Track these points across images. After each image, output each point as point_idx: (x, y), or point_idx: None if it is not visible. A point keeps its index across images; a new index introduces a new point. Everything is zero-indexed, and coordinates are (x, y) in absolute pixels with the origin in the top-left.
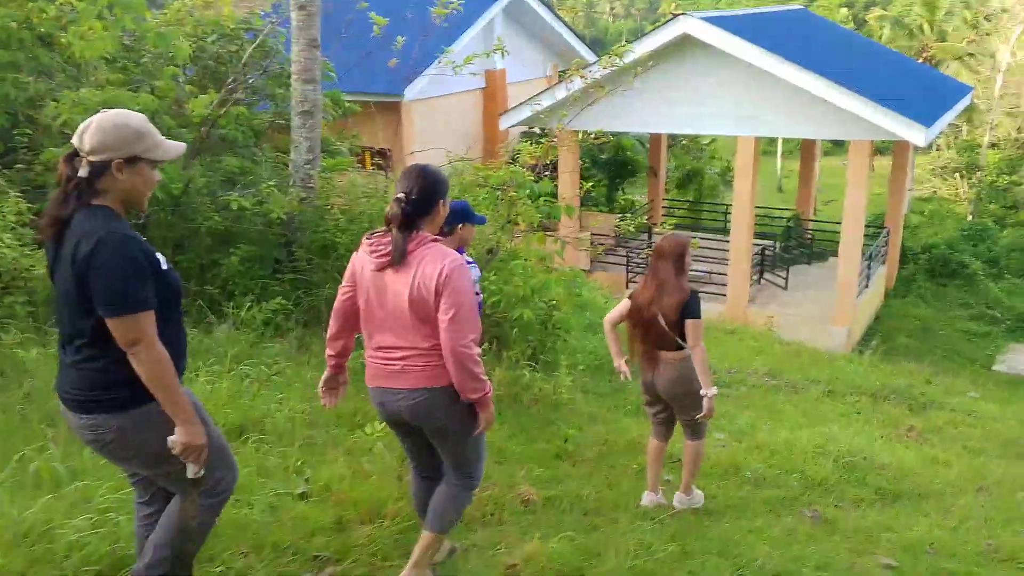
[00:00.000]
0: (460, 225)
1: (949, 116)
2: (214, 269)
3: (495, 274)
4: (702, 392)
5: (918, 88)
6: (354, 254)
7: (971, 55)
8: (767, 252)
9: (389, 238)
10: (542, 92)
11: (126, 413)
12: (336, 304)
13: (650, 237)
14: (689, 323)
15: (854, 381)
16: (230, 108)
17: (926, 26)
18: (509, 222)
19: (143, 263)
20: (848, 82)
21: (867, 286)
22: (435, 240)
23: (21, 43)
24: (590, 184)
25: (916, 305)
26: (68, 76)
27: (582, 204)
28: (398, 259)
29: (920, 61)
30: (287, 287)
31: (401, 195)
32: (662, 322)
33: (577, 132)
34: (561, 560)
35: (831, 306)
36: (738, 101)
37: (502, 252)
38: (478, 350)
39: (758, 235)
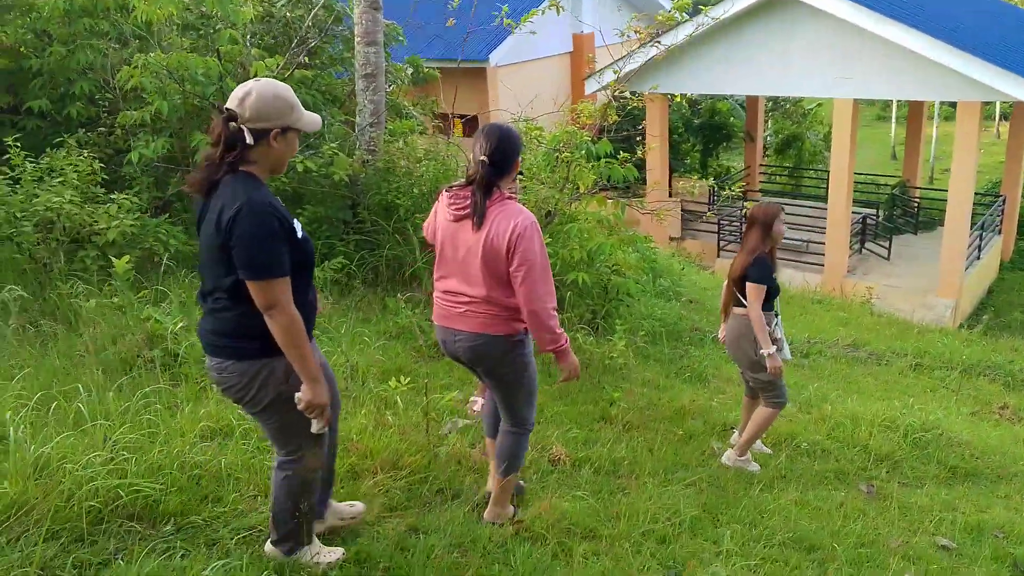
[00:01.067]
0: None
1: None
2: None
3: (551, 237)
4: (761, 351)
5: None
6: (435, 203)
7: None
8: (869, 221)
9: (467, 192)
10: (627, 55)
11: (251, 362)
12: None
13: (744, 204)
14: (748, 285)
15: (947, 355)
16: (294, 72)
17: None
18: (568, 183)
19: (280, 231)
20: (953, 37)
21: (978, 257)
22: (510, 198)
23: (107, 11)
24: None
25: None
26: (143, 43)
27: (675, 170)
28: (479, 220)
29: None
30: (351, 247)
31: (484, 157)
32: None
33: (666, 95)
34: (571, 520)
35: (936, 278)
36: (832, 61)
37: (560, 215)
38: (553, 303)
39: (862, 203)
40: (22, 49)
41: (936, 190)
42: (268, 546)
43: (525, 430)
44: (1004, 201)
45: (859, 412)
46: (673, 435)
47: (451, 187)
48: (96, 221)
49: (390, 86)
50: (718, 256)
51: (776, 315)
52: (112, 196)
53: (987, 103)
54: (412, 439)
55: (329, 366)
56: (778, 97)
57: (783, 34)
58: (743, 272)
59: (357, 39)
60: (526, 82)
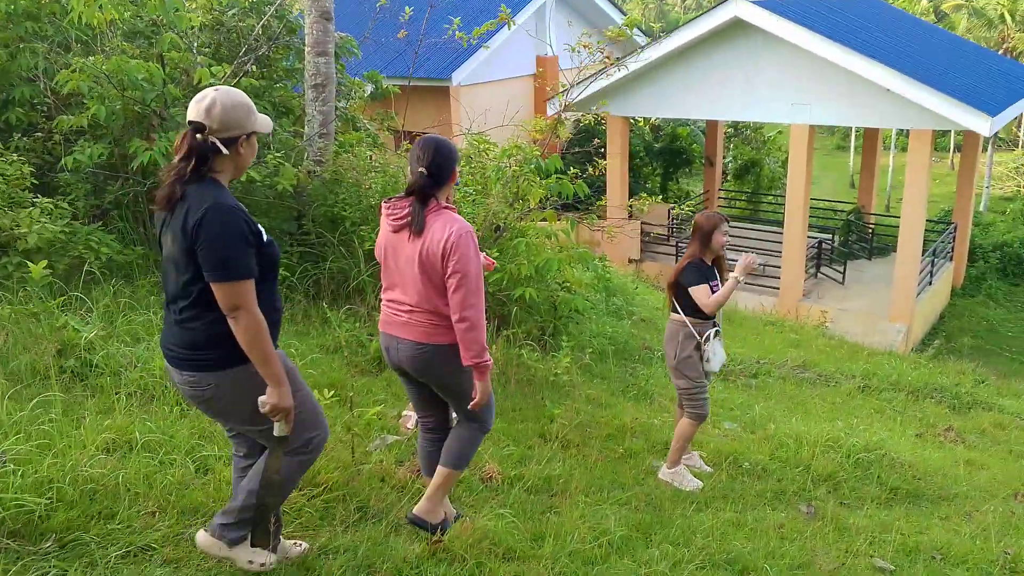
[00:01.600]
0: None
1: (1022, 106)
2: None
3: (499, 252)
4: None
5: (986, 76)
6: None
7: None
8: (825, 246)
9: (405, 203)
10: (587, 78)
11: (224, 372)
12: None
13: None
14: (691, 290)
15: (894, 377)
16: (240, 81)
17: (1007, 15)
18: (517, 199)
19: (247, 234)
20: (907, 68)
21: (930, 283)
22: (447, 207)
23: (52, 16)
24: (643, 173)
25: (985, 305)
26: (85, 48)
27: (635, 193)
28: (419, 228)
29: (1000, 52)
30: (294, 260)
31: (422, 169)
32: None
33: (627, 118)
34: (493, 540)
35: (890, 303)
36: (792, 88)
37: (509, 230)
38: (482, 315)
39: (819, 228)
40: None
41: (891, 216)
42: (201, 534)
43: (484, 430)
44: (955, 228)
45: (803, 432)
46: (612, 453)
47: (389, 199)
48: (17, 226)
49: (346, 100)
50: None
51: (715, 324)
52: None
53: (942, 133)
54: (335, 455)
55: (297, 371)
56: (738, 123)
57: (743, 61)
58: (676, 278)
59: (307, 49)
60: (489, 102)
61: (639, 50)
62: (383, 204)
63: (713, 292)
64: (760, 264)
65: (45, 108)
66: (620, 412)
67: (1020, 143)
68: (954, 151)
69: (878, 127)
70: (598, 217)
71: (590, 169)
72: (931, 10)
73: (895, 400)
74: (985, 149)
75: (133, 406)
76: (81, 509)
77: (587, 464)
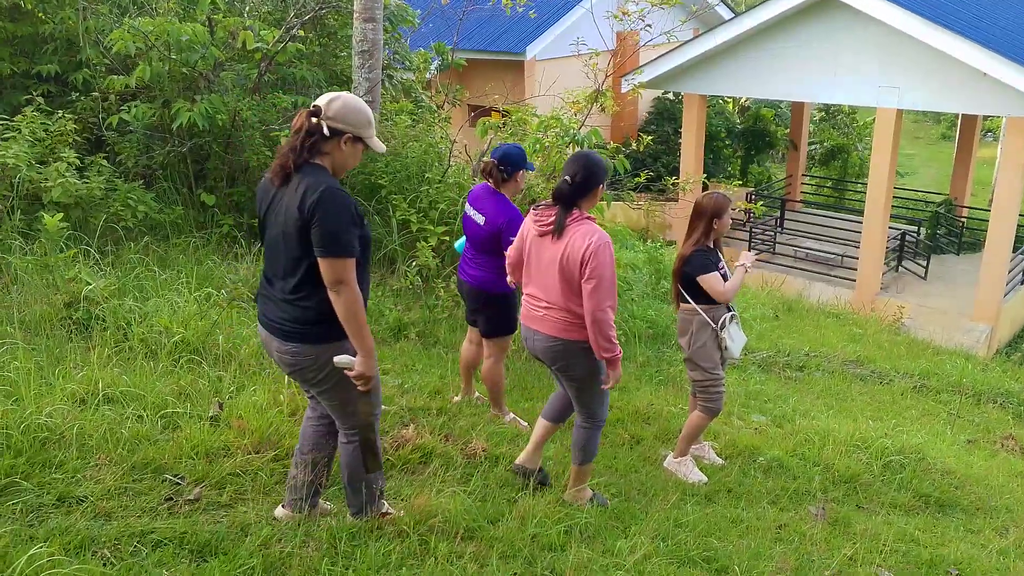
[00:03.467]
0: (520, 172)
1: None
2: None
3: None
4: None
5: None
6: (525, 218)
7: None
8: (908, 238)
9: (552, 211)
10: (664, 54)
11: (323, 346)
12: (508, 255)
13: (783, 214)
14: (700, 279)
15: (957, 379)
16: (287, 45)
17: None
18: (555, 172)
19: (355, 216)
20: (1004, 48)
21: (1022, 283)
22: (589, 218)
23: None
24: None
25: None
26: (139, 8)
27: (711, 175)
28: (558, 232)
29: None
30: None
31: (567, 178)
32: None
33: (704, 96)
34: (448, 518)
35: (975, 302)
36: (879, 69)
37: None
38: (612, 316)
39: (905, 220)
40: (40, 15)
41: (986, 210)
42: (279, 509)
43: (596, 425)
44: None
45: (831, 429)
46: (617, 438)
47: (538, 206)
48: (46, 179)
49: (411, 71)
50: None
51: (730, 309)
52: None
53: None
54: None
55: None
56: (830, 107)
57: (828, 39)
58: (682, 267)
59: (355, 14)
60: (566, 78)
61: (716, 28)
62: (532, 210)
63: (720, 274)
64: (838, 255)
65: (103, 69)
66: (637, 397)
67: None
68: None
69: (973, 113)
70: (669, 200)
71: (633, 144)
72: None
73: (952, 403)
74: None
75: (126, 360)
76: (28, 457)
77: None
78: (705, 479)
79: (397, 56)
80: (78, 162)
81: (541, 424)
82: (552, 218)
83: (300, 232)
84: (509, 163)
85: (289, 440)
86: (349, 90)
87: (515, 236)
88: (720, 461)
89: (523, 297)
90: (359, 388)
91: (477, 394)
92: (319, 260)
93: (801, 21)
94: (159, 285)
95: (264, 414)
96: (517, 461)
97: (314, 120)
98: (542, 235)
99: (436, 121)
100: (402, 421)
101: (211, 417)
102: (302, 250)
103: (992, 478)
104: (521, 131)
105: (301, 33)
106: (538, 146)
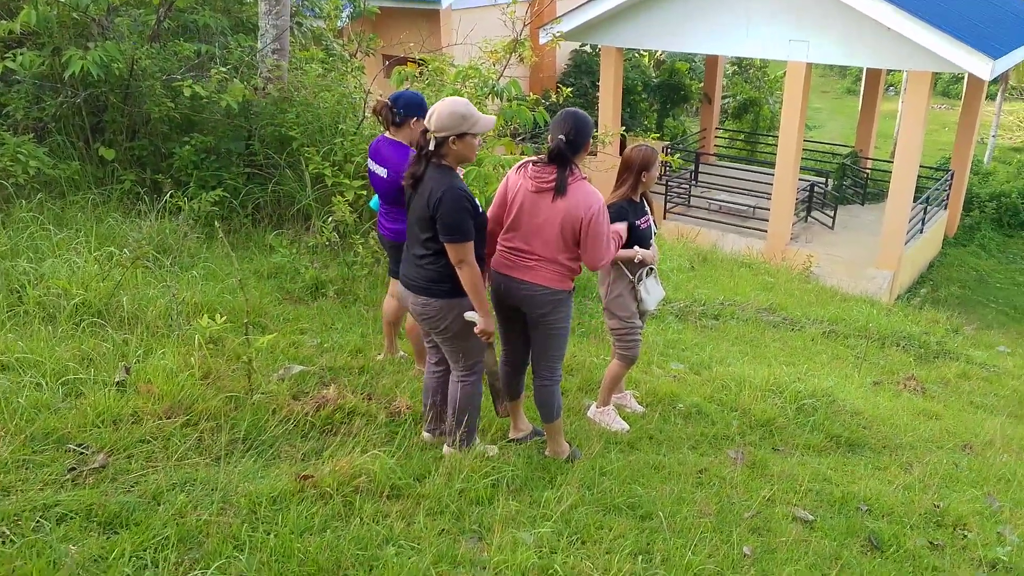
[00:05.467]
0: (413, 119)
1: None
2: (171, 159)
3: None
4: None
5: (995, 18)
6: (507, 175)
7: None
8: (817, 189)
9: (551, 169)
10: (581, 5)
11: (446, 300)
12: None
13: (698, 167)
14: None
15: (863, 323)
16: None
17: None
18: None
19: (470, 208)
20: (907, 4)
21: (921, 231)
22: (585, 178)
23: None
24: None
25: (976, 255)
26: None
27: (629, 128)
28: (561, 191)
29: None
30: (240, 181)
31: (562, 136)
32: None
33: (621, 49)
34: (372, 477)
35: (878, 250)
36: (791, 24)
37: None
38: (607, 260)
39: (815, 172)
40: None
41: (889, 162)
42: (446, 448)
43: (554, 380)
44: (952, 176)
45: (747, 376)
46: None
47: (535, 164)
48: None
49: (322, 19)
50: (664, 218)
51: (648, 266)
52: None
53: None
54: (223, 384)
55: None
56: (743, 61)
57: None
58: None
59: None
60: (483, 29)
61: None
62: (526, 165)
63: (641, 229)
64: (750, 207)
65: None
66: (577, 351)
67: None
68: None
69: (877, 67)
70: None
71: (552, 96)
72: None
73: (859, 347)
74: (992, 97)
75: (21, 324)
76: None
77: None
78: (627, 427)
79: (306, 3)
80: None
81: (512, 406)
82: (552, 177)
83: (429, 221)
84: (403, 106)
85: (201, 404)
86: (255, 38)
87: None
88: (641, 409)
89: (501, 249)
90: (484, 340)
91: (401, 352)
92: (445, 245)
93: None
94: (55, 245)
95: (174, 378)
96: (510, 436)
97: (426, 135)
98: (539, 192)
99: (349, 70)
100: (323, 381)
101: (117, 383)
102: (431, 234)
103: (897, 418)
104: (439, 81)
105: None
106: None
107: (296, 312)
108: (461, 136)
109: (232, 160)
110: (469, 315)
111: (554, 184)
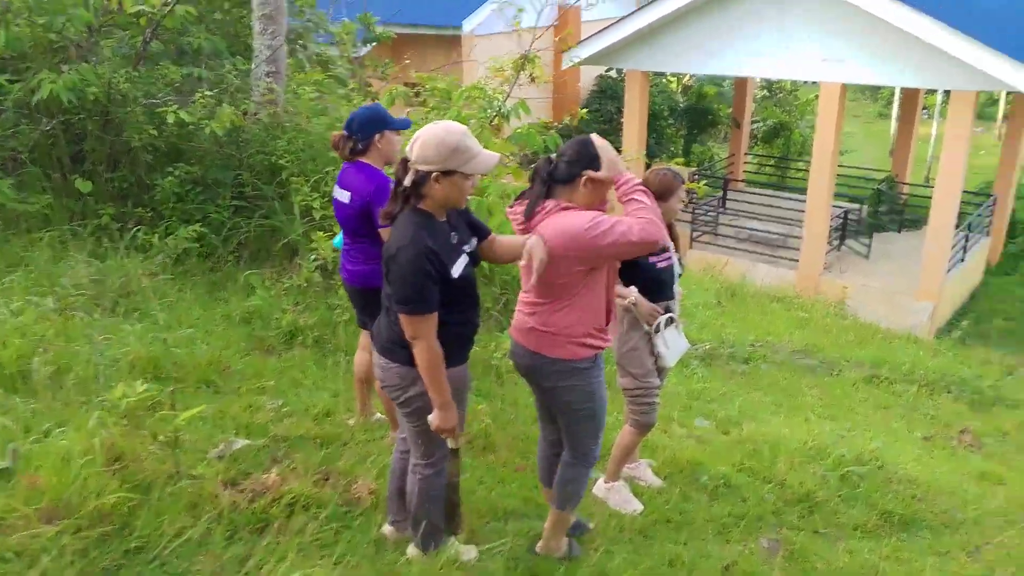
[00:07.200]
0: (377, 135)
1: None
2: (154, 191)
3: None
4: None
5: None
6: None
7: None
8: (851, 216)
9: (523, 201)
10: (604, 28)
11: (409, 368)
12: None
13: (726, 194)
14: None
15: (908, 367)
16: (175, 8)
17: None
18: None
19: (432, 273)
20: (951, 18)
21: (962, 259)
22: (571, 207)
23: None
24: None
25: (1022, 285)
26: None
27: (654, 155)
28: (529, 216)
29: None
30: (226, 214)
31: (551, 158)
32: None
33: (647, 73)
34: None
35: (917, 279)
36: (824, 42)
37: None
38: (652, 233)
39: (850, 199)
40: None
41: (927, 187)
42: (411, 549)
43: (587, 463)
44: (995, 201)
45: (782, 436)
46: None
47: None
48: None
49: (331, 44)
50: (691, 247)
51: (667, 309)
52: None
53: (991, 101)
54: (143, 468)
55: (470, 383)
56: (772, 84)
57: (772, 13)
58: None
59: None
60: (504, 54)
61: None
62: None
63: (657, 268)
64: (781, 235)
65: None
66: None
67: None
68: (1003, 120)
69: (917, 87)
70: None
71: (567, 119)
72: None
73: (906, 394)
74: None
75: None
76: None
77: (499, 476)
78: (641, 507)
79: (311, 24)
80: None
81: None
82: (523, 208)
83: (386, 278)
84: (358, 128)
85: (93, 502)
86: (250, 60)
87: None
88: (658, 482)
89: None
90: (448, 444)
91: (377, 414)
92: (398, 314)
93: None
94: None
95: (69, 466)
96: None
97: (406, 166)
98: (522, 232)
99: (347, 93)
100: (274, 457)
101: (2, 469)
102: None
103: (956, 484)
104: (443, 104)
105: None
106: (461, 120)
107: (263, 365)
108: (448, 174)
109: (220, 191)
110: (430, 417)
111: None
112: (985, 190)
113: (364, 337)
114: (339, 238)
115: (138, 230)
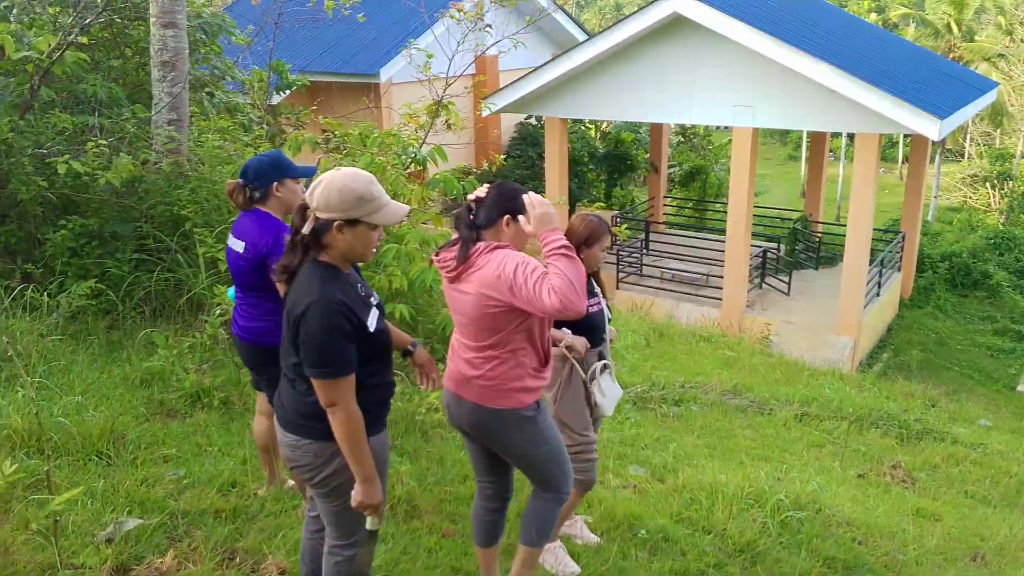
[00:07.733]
0: (274, 184)
1: (970, 110)
2: (44, 246)
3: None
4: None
5: (934, 79)
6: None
7: (1002, 56)
8: (769, 255)
9: (453, 248)
10: (522, 77)
11: (324, 443)
12: None
13: (647, 236)
14: None
15: (836, 403)
16: (66, 52)
17: (953, 25)
18: (394, 197)
19: (347, 330)
20: (852, 68)
21: (878, 294)
22: (505, 247)
23: None
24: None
25: (934, 317)
26: None
27: (577, 199)
28: (463, 258)
29: None
30: (126, 269)
31: (472, 202)
32: None
33: (565, 120)
34: None
35: (836, 315)
36: (735, 89)
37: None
38: (572, 301)
39: (766, 238)
40: None
41: (839, 225)
42: None
43: (559, 500)
44: (903, 238)
45: (718, 482)
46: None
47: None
48: None
49: (245, 91)
50: (616, 288)
51: (601, 356)
52: None
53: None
54: (16, 560)
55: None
56: (687, 129)
57: (684, 61)
58: None
59: (152, 19)
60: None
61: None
62: (437, 253)
63: (589, 311)
64: (703, 275)
65: None
66: None
67: (966, 154)
68: (903, 162)
69: (824, 130)
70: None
71: (485, 165)
72: (880, 22)
73: (836, 431)
74: (933, 159)
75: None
76: None
77: (425, 545)
78: (577, 569)
79: (217, 71)
80: None
81: (481, 553)
82: (453, 255)
83: (291, 343)
84: (254, 177)
85: None
86: (150, 107)
87: None
88: (595, 539)
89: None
90: (368, 519)
91: (289, 482)
92: (311, 380)
93: (656, 43)
94: None
95: None
96: None
97: (305, 214)
98: (452, 281)
99: (254, 139)
100: (172, 536)
101: None
102: (298, 358)
103: (894, 524)
104: (357, 150)
105: (84, 40)
106: (374, 168)
107: (163, 432)
108: (352, 223)
109: (119, 245)
110: (352, 493)
111: (455, 261)
112: (893, 227)
113: (262, 400)
114: (232, 290)
115: (25, 288)
